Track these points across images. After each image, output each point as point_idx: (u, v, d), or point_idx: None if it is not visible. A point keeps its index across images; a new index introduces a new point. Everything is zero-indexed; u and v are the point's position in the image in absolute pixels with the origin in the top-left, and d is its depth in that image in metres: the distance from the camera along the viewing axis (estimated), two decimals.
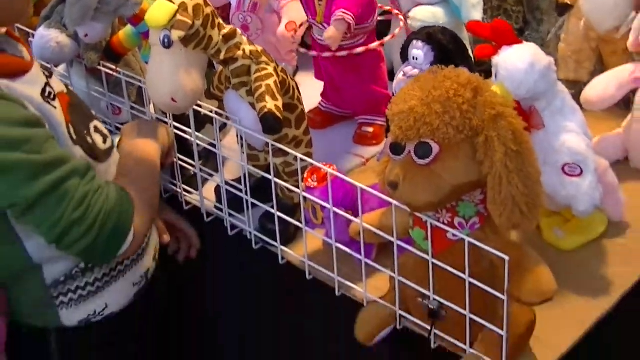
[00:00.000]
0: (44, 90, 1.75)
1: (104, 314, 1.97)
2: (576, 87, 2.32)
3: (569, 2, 2.45)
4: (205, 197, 2.19)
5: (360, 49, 2.34)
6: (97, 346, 1.99)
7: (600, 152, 2.03)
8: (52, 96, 1.77)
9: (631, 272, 1.90)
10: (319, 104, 2.59)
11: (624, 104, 2.25)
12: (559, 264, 1.83)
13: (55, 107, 1.76)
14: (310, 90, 2.52)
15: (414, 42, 2.05)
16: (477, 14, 2.42)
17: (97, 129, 1.90)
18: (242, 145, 2.10)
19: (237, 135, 2.10)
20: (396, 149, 1.57)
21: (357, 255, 1.81)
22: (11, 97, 1.67)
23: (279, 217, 1.95)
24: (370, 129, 2.46)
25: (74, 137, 1.79)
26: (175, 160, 2.16)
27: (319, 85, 2.58)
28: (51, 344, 1.96)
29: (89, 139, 1.85)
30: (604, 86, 2.17)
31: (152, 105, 2.24)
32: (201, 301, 2.39)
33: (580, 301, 1.85)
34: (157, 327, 2.14)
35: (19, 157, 1.65)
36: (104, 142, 1.90)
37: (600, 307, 1.83)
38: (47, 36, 2.24)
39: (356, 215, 1.78)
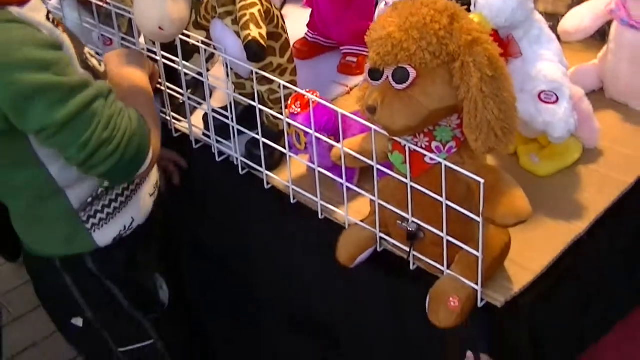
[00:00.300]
0: (48, 17, 1.73)
1: (133, 227, 1.99)
2: (554, 20, 2.28)
3: None
4: (193, 124, 2.17)
5: None
6: (128, 260, 2.02)
7: (576, 82, 2.01)
8: (55, 22, 1.74)
9: (604, 198, 1.89)
10: (306, 34, 2.55)
11: (600, 36, 2.23)
12: (534, 190, 1.82)
13: (62, 32, 1.74)
14: (297, 22, 2.50)
15: None
16: None
17: (91, 54, 1.89)
18: (228, 74, 2.08)
19: (224, 64, 2.08)
20: (374, 74, 1.55)
21: (339, 179, 1.80)
22: (26, 21, 1.65)
23: (264, 143, 1.94)
24: (355, 59, 2.43)
25: (80, 61, 1.78)
26: (164, 89, 2.13)
27: (306, 17, 2.55)
28: (89, 268, 1.98)
29: (89, 63, 1.83)
30: (580, 17, 2.15)
31: (142, 37, 2.21)
32: (189, 225, 2.38)
33: (555, 225, 1.84)
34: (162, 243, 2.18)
35: (50, 79, 1.64)
36: (100, 64, 1.90)
37: (574, 230, 1.82)
38: None
39: (338, 141, 1.77)
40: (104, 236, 1.95)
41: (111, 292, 2.02)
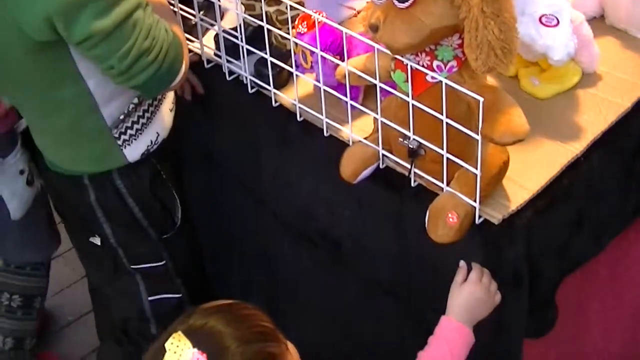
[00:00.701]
0: None
1: (158, 142, 1.99)
2: None
3: None
4: (205, 45, 2.14)
5: None
6: (152, 176, 2.02)
7: (577, 7, 1.96)
8: None
9: (601, 120, 1.86)
10: None
11: None
12: (534, 112, 1.80)
13: None
14: None
15: None
16: None
17: None
18: None
19: None
20: None
21: (343, 98, 1.77)
22: None
23: (272, 63, 1.91)
24: None
25: None
26: (177, 11, 2.10)
27: None
28: (116, 185, 1.98)
29: None
30: None
31: None
32: (202, 142, 2.37)
33: (552, 146, 1.81)
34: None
35: None
36: None
37: (571, 151, 1.79)
38: None
39: (343, 60, 1.73)
40: (133, 152, 1.95)
41: (132, 211, 2.02)
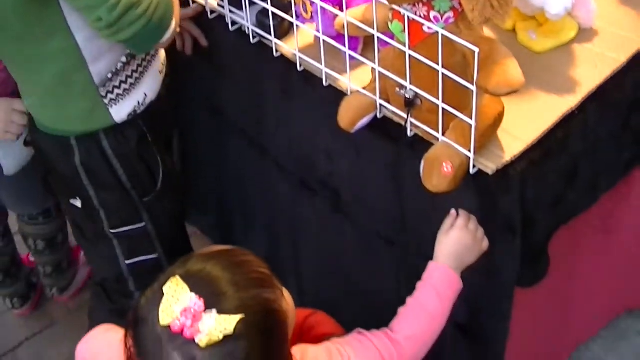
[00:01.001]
0: None
1: (146, 103, 1.96)
2: None
3: None
4: None
5: None
6: (139, 139, 1.99)
7: None
8: None
9: (597, 75, 1.83)
10: None
11: None
12: (530, 64, 1.79)
13: None
14: None
15: None
16: None
17: None
18: None
19: None
20: None
21: (342, 48, 1.75)
22: None
23: (273, 13, 1.88)
24: None
25: None
26: None
27: None
28: (102, 147, 1.95)
29: None
30: None
31: None
32: (205, 92, 2.35)
33: (548, 98, 1.79)
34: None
35: None
36: None
37: (566, 104, 1.77)
38: None
39: (343, 11, 1.71)
40: (120, 112, 1.92)
41: (116, 172, 1.99)
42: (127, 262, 2.16)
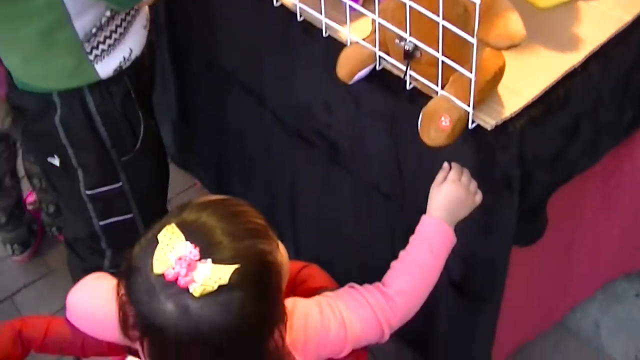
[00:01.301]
0: None
1: (131, 58, 1.92)
2: None
3: None
4: None
5: None
6: (124, 95, 1.95)
7: None
8: None
9: (601, 32, 1.78)
10: None
11: None
12: (534, 20, 1.73)
13: None
14: None
15: None
16: None
17: None
18: None
19: None
20: None
21: None
22: None
23: None
24: None
25: None
26: None
27: None
28: (86, 103, 1.92)
29: None
30: None
31: None
32: (202, 45, 2.32)
33: (551, 55, 1.75)
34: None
35: None
36: None
37: (569, 61, 1.72)
38: None
39: None
40: (105, 68, 1.89)
41: (98, 130, 1.95)
42: (101, 223, 2.13)
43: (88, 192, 2.05)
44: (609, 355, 2.45)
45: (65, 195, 2.13)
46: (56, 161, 2.01)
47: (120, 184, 2.06)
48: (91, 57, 1.86)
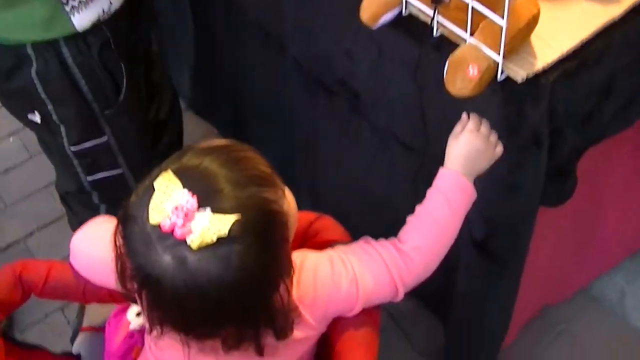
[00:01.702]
0: None
1: (111, 12, 1.82)
2: None
3: None
4: None
5: None
6: (101, 45, 1.86)
7: None
8: None
9: None
10: None
11: None
12: None
13: None
14: None
15: None
16: None
17: None
18: None
19: None
20: None
21: None
22: None
23: None
24: None
25: None
26: None
27: None
28: (62, 54, 1.82)
29: None
30: None
31: None
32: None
33: (588, 6, 1.63)
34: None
35: None
36: None
37: (608, 14, 1.61)
38: None
39: None
40: (82, 21, 1.79)
41: (77, 83, 1.87)
42: (89, 178, 2.06)
43: (73, 149, 1.98)
44: (633, 325, 2.39)
45: (52, 150, 2.07)
46: (37, 118, 1.93)
47: (106, 138, 1.98)
48: (67, 8, 1.76)
